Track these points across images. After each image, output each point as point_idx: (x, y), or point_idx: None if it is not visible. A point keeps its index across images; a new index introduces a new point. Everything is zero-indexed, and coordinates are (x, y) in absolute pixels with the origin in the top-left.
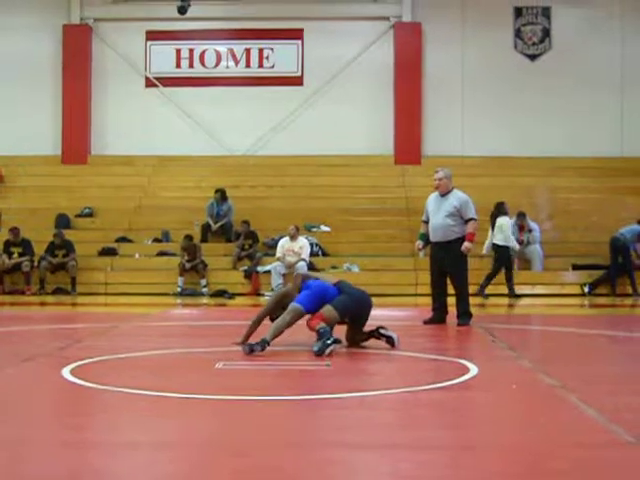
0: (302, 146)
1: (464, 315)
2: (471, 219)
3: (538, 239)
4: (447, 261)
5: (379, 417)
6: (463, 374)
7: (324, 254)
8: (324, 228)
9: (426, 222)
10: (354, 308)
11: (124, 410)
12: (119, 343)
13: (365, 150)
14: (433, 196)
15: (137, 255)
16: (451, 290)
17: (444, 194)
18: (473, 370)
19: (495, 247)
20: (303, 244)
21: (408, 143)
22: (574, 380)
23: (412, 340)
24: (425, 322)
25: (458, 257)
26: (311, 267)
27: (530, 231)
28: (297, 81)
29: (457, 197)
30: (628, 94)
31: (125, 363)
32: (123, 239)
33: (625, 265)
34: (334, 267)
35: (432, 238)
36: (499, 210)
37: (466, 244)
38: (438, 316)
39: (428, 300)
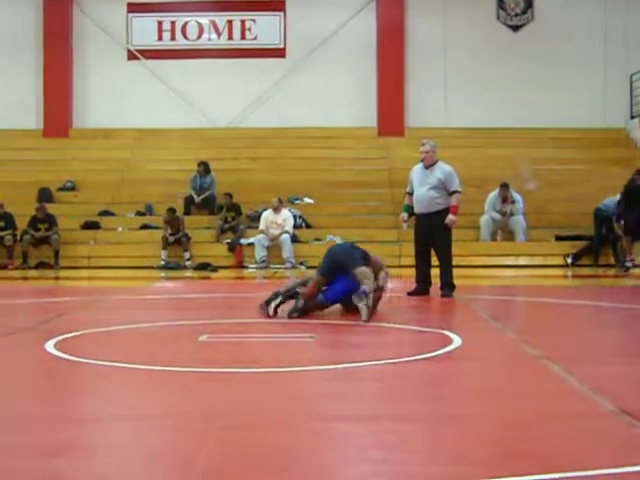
0: (285, 118)
1: (447, 286)
2: (455, 191)
3: (521, 210)
4: (431, 233)
5: (363, 388)
6: (447, 345)
7: (307, 226)
8: (307, 200)
9: (410, 194)
10: (328, 264)
11: (109, 383)
12: (103, 316)
13: (348, 122)
14: (417, 168)
15: (120, 228)
16: (435, 262)
17: (429, 166)
18: (457, 341)
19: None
20: (286, 216)
21: (391, 115)
22: (557, 351)
23: (396, 312)
24: (409, 293)
25: (442, 229)
26: (295, 239)
27: (513, 202)
28: (280, 53)
29: (442, 169)
30: (611, 65)
31: (109, 336)
32: (106, 212)
33: (609, 236)
34: (317, 239)
35: (416, 210)
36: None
37: (450, 217)
38: (422, 288)
39: (412, 272)
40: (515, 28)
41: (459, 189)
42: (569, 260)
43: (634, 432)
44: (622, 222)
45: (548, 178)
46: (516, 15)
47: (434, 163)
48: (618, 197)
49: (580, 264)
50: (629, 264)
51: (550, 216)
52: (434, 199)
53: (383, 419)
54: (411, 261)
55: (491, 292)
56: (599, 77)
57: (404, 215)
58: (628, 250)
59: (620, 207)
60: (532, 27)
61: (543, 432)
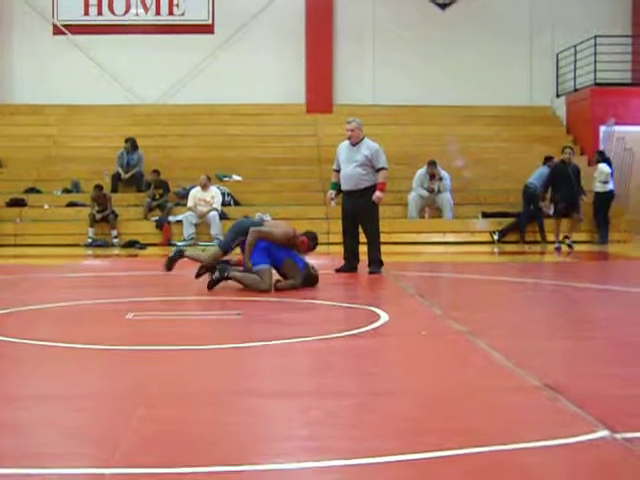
0: (213, 95)
1: (375, 263)
2: (382, 168)
3: (449, 187)
4: (359, 210)
5: (290, 365)
6: (374, 321)
7: (236, 203)
8: (236, 177)
9: (337, 171)
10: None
11: (34, 362)
12: (29, 295)
13: (277, 99)
14: (344, 145)
15: (46, 206)
16: (363, 239)
17: (355, 143)
18: (384, 317)
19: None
20: (215, 193)
21: (320, 92)
22: (483, 326)
23: (324, 288)
24: (337, 270)
25: (370, 206)
26: (223, 216)
27: (441, 179)
28: (208, 29)
29: (368, 146)
30: (537, 43)
31: (35, 315)
32: (32, 190)
33: (535, 213)
34: (246, 216)
35: (344, 187)
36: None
37: (377, 193)
38: (350, 264)
39: (340, 249)
40: (443, 6)
41: (386, 166)
42: (495, 237)
43: (557, 406)
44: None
45: (475, 156)
46: None
47: (360, 140)
48: (539, 170)
49: (506, 240)
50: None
51: (477, 193)
52: (361, 176)
53: (310, 395)
54: (340, 238)
55: (418, 269)
56: (526, 56)
57: (332, 193)
58: (557, 230)
59: (548, 186)
60: (460, 5)
61: (468, 407)
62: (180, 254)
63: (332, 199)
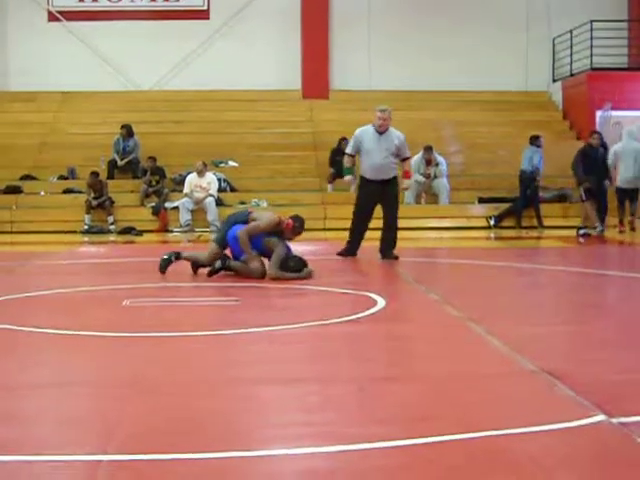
0: (209, 81)
1: (394, 247)
2: (408, 157)
3: (445, 173)
4: (385, 197)
5: (288, 351)
6: (371, 307)
7: (232, 190)
8: (232, 163)
9: (352, 155)
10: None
11: (31, 350)
12: (26, 282)
13: (273, 85)
14: (368, 131)
15: (42, 193)
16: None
17: (383, 132)
18: (381, 303)
19: None
20: (211, 180)
21: (315, 77)
22: (480, 312)
23: (320, 274)
24: (338, 254)
25: (396, 193)
26: (219, 203)
27: (437, 165)
28: (203, 15)
29: (397, 136)
30: (533, 28)
31: (32, 302)
32: (28, 177)
33: (531, 197)
34: (242, 202)
35: (373, 176)
36: None
37: (407, 181)
38: (352, 249)
39: (337, 234)
40: None
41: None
42: (491, 222)
43: (555, 391)
44: (582, 188)
45: (471, 141)
46: None
47: (387, 128)
48: (527, 153)
49: (503, 226)
50: (595, 229)
51: (473, 178)
52: (391, 165)
53: (306, 381)
54: (335, 224)
55: (415, 254)
56: (522, 41)
57: (351, 178)
58: (592, 216)
59: (579, 171)
60: None
61: (466, 392)
62: (176, 256)
63: (352, 184)
